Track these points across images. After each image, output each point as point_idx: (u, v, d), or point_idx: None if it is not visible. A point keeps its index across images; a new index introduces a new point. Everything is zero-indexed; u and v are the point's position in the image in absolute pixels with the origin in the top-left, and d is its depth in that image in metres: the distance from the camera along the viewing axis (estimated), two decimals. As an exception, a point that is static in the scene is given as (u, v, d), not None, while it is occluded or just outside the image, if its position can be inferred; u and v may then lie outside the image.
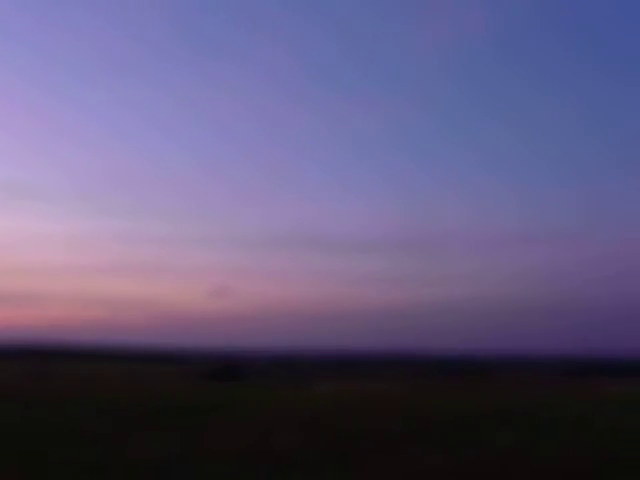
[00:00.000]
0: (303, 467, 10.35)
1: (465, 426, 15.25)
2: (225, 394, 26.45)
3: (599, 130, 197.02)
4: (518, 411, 18.56)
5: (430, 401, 21.44)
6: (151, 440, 13.06)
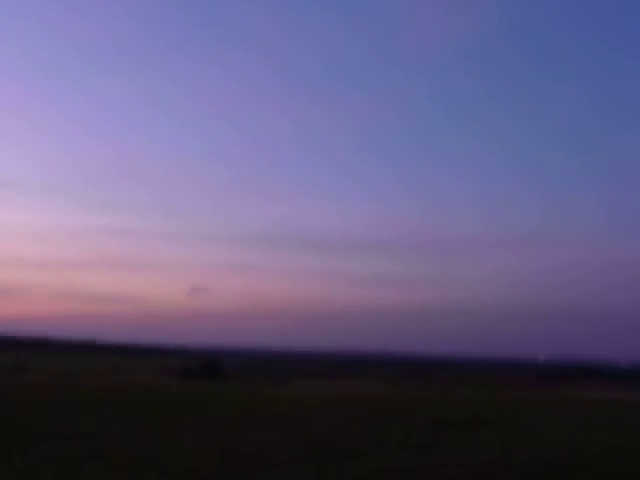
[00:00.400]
0: (274, 466, 10.48)
1: (440, 428, 15.43)
2: (203, 391, 26.48)
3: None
4: (486, 412, 18.79)
5: (403, 402, 21.61)
6: (127, 437, 13.13)
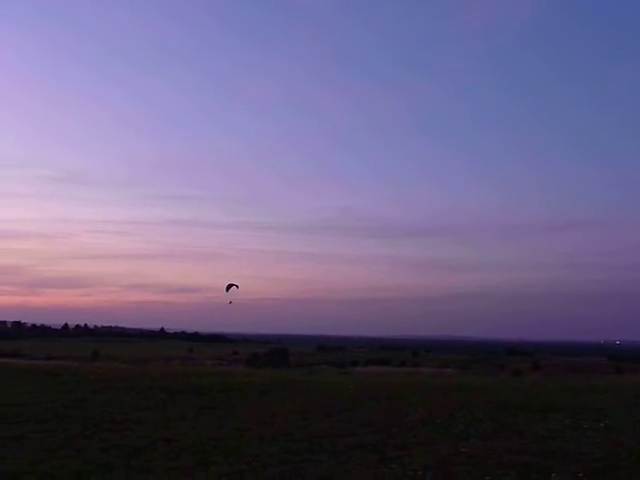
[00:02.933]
0: (339, 452, 10.45)
1: (509, 414, 15.09)
2: (269, 378, 26.75)
3: (628, 121, 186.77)
4: (560, 399, 18.25)
5: (471, 388, 21.24)
6: (194, 423, 13.38)
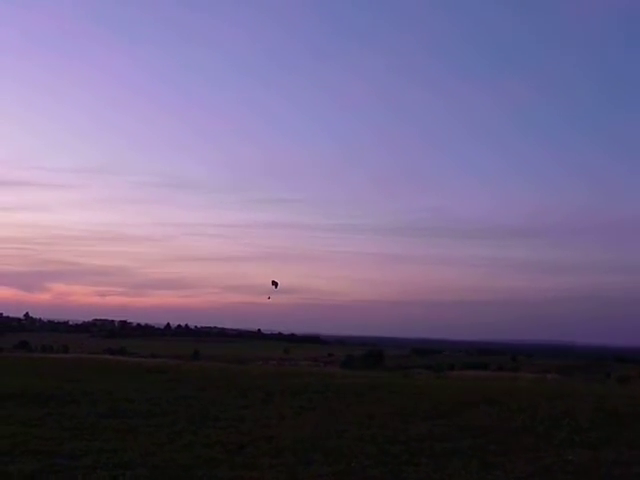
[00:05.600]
0: (437, 456, 10.37)
1: (614, 423, 14.46)
2: (365, 380, 26.80)
3: None
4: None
5: (575, 394, 20.45)
6: (293, 422, 13.62)
